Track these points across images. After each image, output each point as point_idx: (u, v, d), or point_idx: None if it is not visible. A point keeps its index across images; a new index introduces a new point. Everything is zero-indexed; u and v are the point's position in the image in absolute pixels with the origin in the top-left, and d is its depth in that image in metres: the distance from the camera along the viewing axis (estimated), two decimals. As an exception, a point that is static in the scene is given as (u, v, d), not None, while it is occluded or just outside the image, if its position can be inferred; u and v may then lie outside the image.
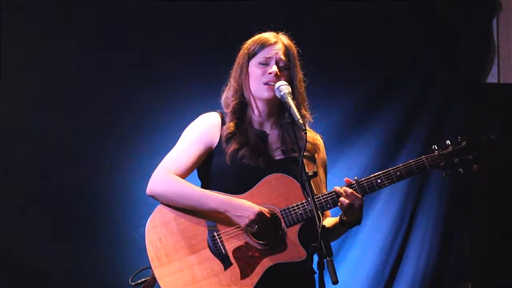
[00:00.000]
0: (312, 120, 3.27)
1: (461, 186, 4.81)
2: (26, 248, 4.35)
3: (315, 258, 2.83)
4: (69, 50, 4.52)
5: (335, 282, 2.70)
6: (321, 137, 3.35)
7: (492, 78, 4.96)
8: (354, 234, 4.71)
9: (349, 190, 3.08)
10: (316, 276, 3.09)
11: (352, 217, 3.15)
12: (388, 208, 4.77)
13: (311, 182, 2.88)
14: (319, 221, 2.76)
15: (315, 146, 3.27)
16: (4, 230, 4.34)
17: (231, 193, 3.12)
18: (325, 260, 2.73)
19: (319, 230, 2.74)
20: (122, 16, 4.60)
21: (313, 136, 3.28)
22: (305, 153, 3.12)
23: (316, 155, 3.28)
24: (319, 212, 2.80)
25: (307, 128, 3.08)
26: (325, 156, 3.35)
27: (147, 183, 3.17)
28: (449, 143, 3.13)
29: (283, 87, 3.07)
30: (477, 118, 4.83)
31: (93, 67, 4.53)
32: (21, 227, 4.36)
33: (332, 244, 2.79)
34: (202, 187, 3.23)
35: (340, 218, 3.20)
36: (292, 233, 3.09)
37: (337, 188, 3.11)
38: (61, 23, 4.52)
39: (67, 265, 4.38)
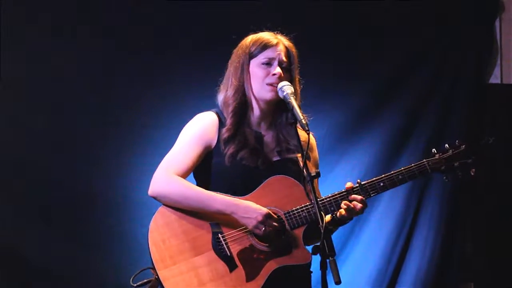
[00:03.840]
0: (306, 121, 3.25)
1: (464, 187, 4.80)
2: (26, 248, 4.32)
3: (317, 258, 2.82)
4: (69, 50, 4.50)
5: (338, 282, 2.71)
6: (313, 135, 3.33)
7: (495, 79, 4.96)
8: (357, 234, 4.72)
9: (359, 197, 3.11)
10: (313, 275, 3.17)
11: (348, 217, 3.15)
12: (390, 208, 4.77)
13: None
14: (322, 222, 2.76)
15: (310, 145, 3.25)
16: (5, 230, 4.32)
17: (231, 195, 3.11)
18: (327, 260, 2.73)
19: (322, 231, 2.74)
20: (122, 16, 4.59)
21: (306, 135, 3.26)
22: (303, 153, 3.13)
23: (311, 154, 3.30)
24: (322, 212, 2.80)
25: (299, 127, 3.06)
26: (317, 155, 3.37)
27: (149, 184, 3.15)
28: (448, 147, 3.17)
29: (286, 87, 3.07)
30: (479, 119, 4.83)
31: (93, 67, 4.52)
32: (22, 227, 4.34)
33: (335, 244, 2.79)
34: (199, 186, 3.20)
35: (332, 217, 3.20)
36: (297, 235, 3.10)
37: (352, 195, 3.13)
38: (61, 23, 4.50)
39: (68, 266, 4.35)
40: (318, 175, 2.88)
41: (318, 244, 2.75)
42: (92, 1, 4.56)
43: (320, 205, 3.05)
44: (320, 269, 2.75)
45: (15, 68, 4.43)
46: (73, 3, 4.53)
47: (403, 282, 4.77)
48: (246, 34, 3.32)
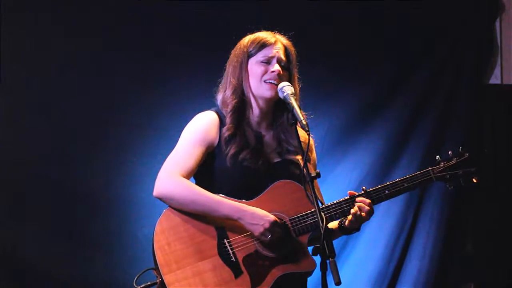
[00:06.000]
0: (307, 122, 3.25)
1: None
2: (26, 248, 4.32)
3: (318, 259, 2.82)
4: (69, 50, 4.49)
5: (338, 283, 2.69)
6: (311, 137, 3.29)
7: (495, 79, 4.95)
8: (357, 234, 4.67)
9: (367, 201, 3.11)
10: (313, 276, 3.13)
11: (356, 225, 3.15)
12: (391, 208, 4.76)
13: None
14: (322, 222, 2.75)
15: (309, 147, 3.24)
16: (4, 230, 4.32)
17: (232, 196, 3.09)
18: (328, 260, 2.72)
19: (322, 231, 2.73)
20: (122, 16, 4.59)
21: (305, 135, 3.26)
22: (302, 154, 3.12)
23: (310, 155, 3.29)
24: (322, 213, 2.79)
25: (299, 127, 3.06)
26: (316, 156, 3.37)
27: (150, 184, 3.13)
28: (452, 155, 3.18)
29: (286, 88, 3.06)
30: (479, 119, 4.83)
31: (93, 67, 4.52)
32: (22, 227, 4.34)
33: (335, 244, 2.78)
34: (198, 185, 3.17)
35: (339, 224, 3.19)
36: (302, 242, 3.09)
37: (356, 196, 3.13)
38: (61, 23, 4.50)
39: (68, 266, 4.36)
40: (318, 175, 2.87)
41: (319, 245, 2.74)
42: (92, 1, 4.55)
43: (325, 212, 3.06)
44: (320, 269, 2.75)
45: (15, 69, 4.43)
46: (73, 3, 4.52)
47: (403, 282, 4.76)
48: (246, 34, 3.31)
